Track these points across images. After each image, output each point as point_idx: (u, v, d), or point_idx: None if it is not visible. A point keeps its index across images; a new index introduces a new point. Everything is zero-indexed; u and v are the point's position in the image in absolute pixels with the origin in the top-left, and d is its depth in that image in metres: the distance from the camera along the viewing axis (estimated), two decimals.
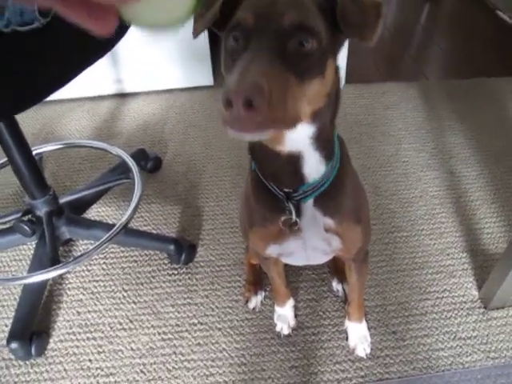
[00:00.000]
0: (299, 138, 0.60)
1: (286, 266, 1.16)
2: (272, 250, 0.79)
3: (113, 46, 0.93)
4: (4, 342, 1.02)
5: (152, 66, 1.80)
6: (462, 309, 1.12)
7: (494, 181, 1.46)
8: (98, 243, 1.08)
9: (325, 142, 0.64)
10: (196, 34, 0.56)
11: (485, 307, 1.12)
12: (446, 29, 2.52)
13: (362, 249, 0.83)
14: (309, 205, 0.69)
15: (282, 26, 0.50)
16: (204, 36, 1.75)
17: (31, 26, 0.75)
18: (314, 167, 0.64)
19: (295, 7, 0.52)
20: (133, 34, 1.67)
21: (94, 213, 1.37)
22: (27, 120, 1.74)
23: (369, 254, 0.94)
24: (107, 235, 1.10)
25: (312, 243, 0.75)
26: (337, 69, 0.59)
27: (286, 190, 0.67)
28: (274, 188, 0.68)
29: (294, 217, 0.69)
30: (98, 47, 0.90)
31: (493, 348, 1.04)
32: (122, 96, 1.87)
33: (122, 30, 0.93)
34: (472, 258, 1.23)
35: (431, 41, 2.37)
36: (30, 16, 0.74)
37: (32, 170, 1.09)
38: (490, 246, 1.26)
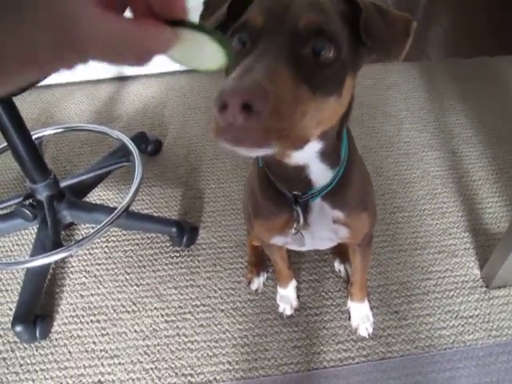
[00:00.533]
0: (305, 154, 0.57)
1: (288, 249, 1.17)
2: (277, 240, 0.79)
3: None
4: (9, 325, 1.03)
5: None
6: (463, 288, 1.12)
7: (497, 160, 1.45)
8: (99, 226, 1.08)
9: (332, 153, 0.62)
10: None
11: (487, 286, 1.12)
12: (448, 8, 2.47)
13: (368, 233, 0.83)
14: (317, 201, 0.68)
15: (296, 29, 0.43)
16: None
17: None
18: (321, 174, 0.63)
19: (313, 9, 0.45)
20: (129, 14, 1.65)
21: (95, 196, 1.37)
22: (26, 105, 1.72)
23: (373, 237, 0.93)
24: (108, 218, 1.09)
25: (319, 234, 0.74)
26: (354, 86, 0.52)
27: (295, 192, 0.66)
28: (281, 188, 0.67)
29: (301, 221, 0.68)
30: None
31: (494, 326, 1.05)
32: (122, 79, 1.85)
33: None
34: (474, 237, 1.23)
35: (433, 21, 2.33)
36: None
37: (32, 155, 1.08)
38: (492, 225, 1.26)
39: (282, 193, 0.67)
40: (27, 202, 1.14)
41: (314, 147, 0.57)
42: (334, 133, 0.59)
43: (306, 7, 0.45)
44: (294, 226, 0.70)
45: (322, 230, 0.73)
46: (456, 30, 2.22)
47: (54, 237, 1.08)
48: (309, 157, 0.59)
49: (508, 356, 1.00)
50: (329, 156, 0.61)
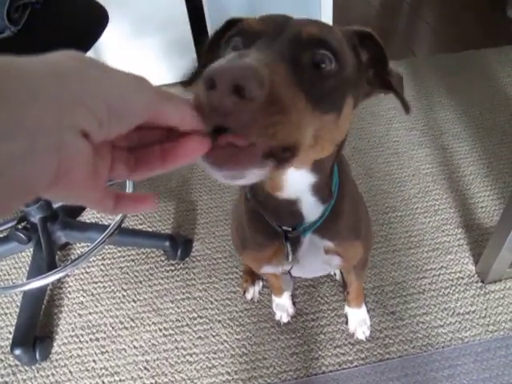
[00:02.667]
0: (298, 186, 0.56)
1: None
2: (267, 270, 0.76)
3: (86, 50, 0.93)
4: (9, 349, 1.04)
5: (137, 64, 1.79)
6: (459, 284, 1.12)
7: (487, 154, 1.45)
8: (93, 245, 1.09)
9: (325, 186, 0.60)
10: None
11: (482, 281, 1.12)
12: (432, 4, 2.48)
13: (362, 259, 0.80)
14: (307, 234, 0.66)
15: (297, 37, 0.40)
16: (187, 30, 1.74)
17: (2, 35, 0.75)
18: (312, 208, 0.61)
19: (318, 24, 0.43)
20: (117, 34, 1.67)
21: (89, 215, 1.37)
22: None
23: (368, 259, 0.93)
24: (102, 236, 1.10)
25: (311, 266, 0.73)
26: (354, 107, 0.49)
27: (285, 228, 0.63)
28: (271, 222, 0.64)
29: (290, 258, 0.66)
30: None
31: (491, 321, 1.05)
32: None
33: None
34: (467, 233, 1.23)
35: (418, 17, 2.34)
36: (1, 25, 0.74)
37: None
38: (485, 219, 1.26)
39: (270, 225, 0.64)
40: (21, 225, 1.15)
41: (307, 180, 0.56)
42: (328, 164, 0.57)
43: (310, 21, 0.44)
44: (288, 259, 0.67)
45: (315, 262, 0.71)
46: (441, 26, 2.23)
47: (48, 258, 1.09)
48: (301, 190, 0.57)
49: (506, 350, 1.00)
50: (321, 189, 0.59)
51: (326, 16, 1.83)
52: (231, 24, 0.48)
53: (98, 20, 0.98)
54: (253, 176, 0.35)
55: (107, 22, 1.00)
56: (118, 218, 1.16)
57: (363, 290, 1.06)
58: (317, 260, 0.70)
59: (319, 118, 0.40)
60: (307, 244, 0.66)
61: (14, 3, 0.77)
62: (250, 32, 0.42)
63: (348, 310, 1.05)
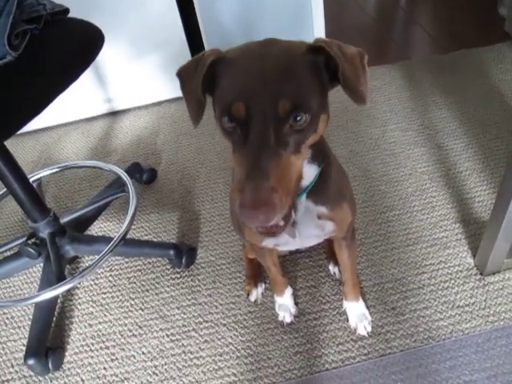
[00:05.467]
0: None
1: (283, 256, 1.20)
2: (268, 242, 0.83)
3: (78, 76, 0.98)
4: (23, 361, 1.08)
5: (138, 81, 1.85)
6: (458, 278, 1.14)
7: (482, 149, 1.47)
8: (99, 256, 1.13)
9: (318, 152, 0.69)
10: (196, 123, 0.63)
11: (481, 273, 1.14)
12: (426, 8, 2.52)
13: (351, 223, 0.87)
14: (302, 199, 0.73)
15: (277, 115, 0.52)
16: (185, 47, 1.80)
17: (4, 60, 0.80)
18: (310, 176, 0.70)
19: (287, 84, 0.53)
20: (116, 54, 1.73)
21: (97, 229, 1.42)
22: (26, 149, 1.81)
23: (355, 231, 0.97)
24: (107, 248, 1.14)
25: (306, 232, 0.79)
26: (328, 116, 0.61)
27: None
28: None
29: (293, 216, 0.73)
30: (67, 76, 0.95)
31: (491, 312, 1.06)
32: (114, 114, 1.92)
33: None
34: (465, 227, 1.25)
35: (412, 21, 2.38)
36: (2, 51, 0.79)
37: (30, 195, 1.14)
38: (482, 213, 1.28)
39: None
40: (31, 241, 1.20)
41: (305, 158, 0.64)
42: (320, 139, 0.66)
43: (280, 84, 0.53)
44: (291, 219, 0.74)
45: (309, 228, 0.78)
46: (435, 28, 2.26)
47: (57, 271, 1.13)
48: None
49: (507, 340, 1.01)
50: (316, 156, 0.69)
51: (318, 29, 1.87)
52: (214, 61, 0.59)
53: (94, 42, 1.03)
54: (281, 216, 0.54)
55: (103, 42, 1.05)
56: (123, 229, 1.20)
57: (358, 282, 1.09)
58: (311, 225, 0.77)
59: (304, 148, 0.56)
60: (303, 210, 0.74)
61: (14, 30, 0.83)
62: (238, 118, 0.54)
63: (346, 304, 1.07)
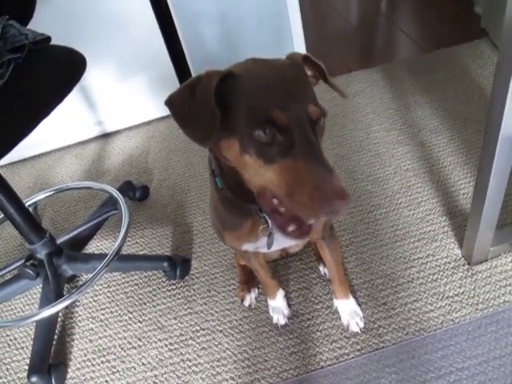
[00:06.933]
0: None
1: (274, 260, 1.23)
2: (247, 247, 0.86)
3: (62, 99, 1.02)
4: (26, 380, 1.11)
5: (127, 103, 1.90)
6: (446, 269, 1.16)
7: (465, 144, 1.50)
8: (94, 272, 1.16)
9: None
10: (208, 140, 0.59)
11: (468, 263, 1.16)
12: (406, 11, 2.58)
13: (326, 223, 0.90)
14: None
15: (311, 119, 0.57)
16: (170, 67, 1.85)
17: None
18: None
19: (307, 93, 0.60)
20: (104, 78, 1.78)
21: (94, 247, 1.46)
22: (22, 176, 1.85)
23: (334, 229, 1.00)
24: (102, 264, 1.18)
25: (281, 237, 0.81)
26: None
27: (255, 205, 0.73)
28: (243, 204, 0.74)
29: (270, 224, 0.76)
30: (52, 99, 0.99)
31: (480, 300, 1.08)
32: (105, 136, 1.97)
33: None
34: (451, 219, 1.28)
35: (393, 26, 2.44)
36: None
37: (26, 218, 1.17)
38: (467, 205, 1.31)
39: (242, 206, 0.75)
40: (29, 263, 1.23)
41: None
42: None
43: (302, 91, 0.60)
44: (264, 229, 0.78)
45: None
46: (415, 30, 2.32)
47: (56, 289, 1.16)
48: None
49: (496, 326, 1.03)
50: None
51: (298, 40, 1.92)
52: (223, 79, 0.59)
53: (77, 66, 1.08)
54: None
55: (85, 66, 1.10)
56: (116, 245, 1.23)
57: (346, 279, 1.11)
58: None
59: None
60: None
61: None
62: (280, 125, 0.56)
63: (337, 302, 1.10)
